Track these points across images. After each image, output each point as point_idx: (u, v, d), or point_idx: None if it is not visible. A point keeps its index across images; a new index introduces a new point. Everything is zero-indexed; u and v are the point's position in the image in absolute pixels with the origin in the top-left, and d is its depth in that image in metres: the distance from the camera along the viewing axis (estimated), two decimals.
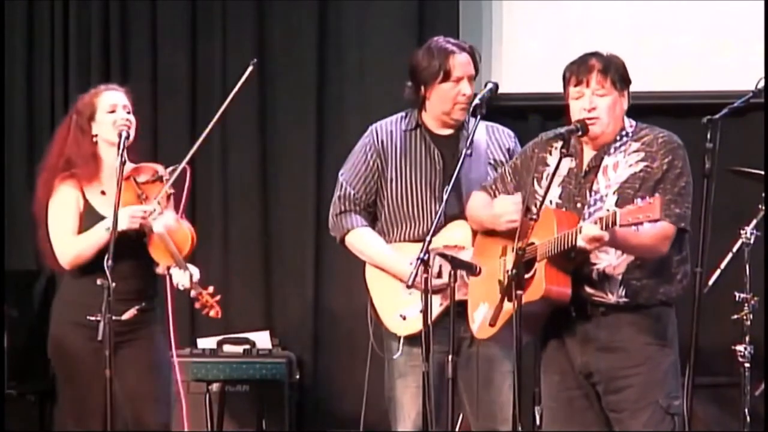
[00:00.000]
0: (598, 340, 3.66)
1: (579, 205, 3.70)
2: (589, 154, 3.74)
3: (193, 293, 4.33)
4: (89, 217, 4.35)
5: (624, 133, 3.73)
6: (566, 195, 3.73)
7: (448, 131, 4.23)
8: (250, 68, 4.52)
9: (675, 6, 6.09)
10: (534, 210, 3.64)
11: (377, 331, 4.33)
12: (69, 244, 4.34)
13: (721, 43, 6.12)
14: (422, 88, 4.22)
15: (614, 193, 3.65)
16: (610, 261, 3.63)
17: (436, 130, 4.25)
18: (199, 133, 6.25)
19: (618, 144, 3.71)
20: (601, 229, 3.45)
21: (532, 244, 3.62)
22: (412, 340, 4.02)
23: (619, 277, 3.63)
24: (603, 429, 3.72)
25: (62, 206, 4.37)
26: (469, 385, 4.18)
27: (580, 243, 3.49)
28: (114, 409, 4.10)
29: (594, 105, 3.67)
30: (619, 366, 3.64)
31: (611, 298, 3.63)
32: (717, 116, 4.47)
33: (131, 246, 4.29)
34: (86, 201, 4.38)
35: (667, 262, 3.66)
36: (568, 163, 3.75)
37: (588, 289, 3.64)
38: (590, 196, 3.69)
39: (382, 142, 4.28)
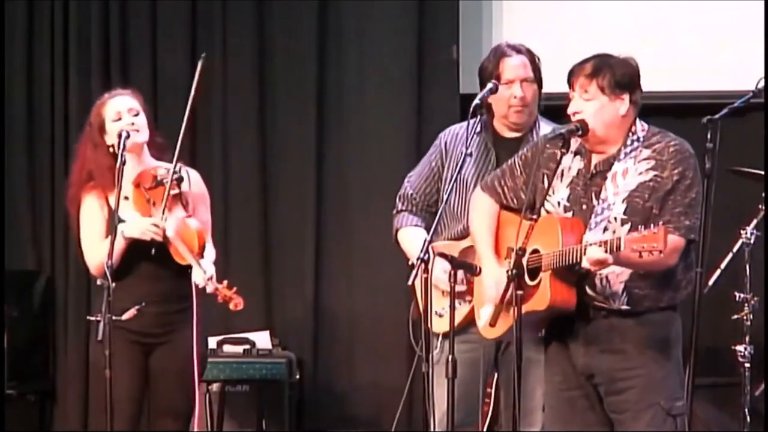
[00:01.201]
0: (599, 343, 3.65)
1: (584, 207, 3.68)
2: (597, 156, 3.72)
3: (209, 289, 4.37)
4: (115, 224, 4.40)
5: (635, 137, 3.68)
6: (574, 197, 3.71)
7: (516, 134, 4.25)
8: (201, 62, 4.54)
9: (675, 6, 6.09)
10: (536, 210, 3.64)
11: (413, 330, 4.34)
12: (95, 251, 4.41)
13: (721, 43, 6.12)
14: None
15: (623, 201, 3.62)
16: (614, 268, 3.61)
17: (504, 133, 4.28)
18: (199, 133, 6.30)
19: (628, 149, 3.67)
20: (605, 252, 3.44)
21: (537, 251, 3.63)
22: (445, 337, 4.02)
23: (622, 285, 3.61)
24: (604, 430, 3.72)
25: (88, 216, 4.47)
26: (505, 386, 4.24)
27: (584, 264, 3.49)
28: (113, 409, 4.12)
29: (577, 109, 3.67)
30: (620, 368, 3.63)
31: (613, 305, 3.62)
32: (717, 116, 4.46)
33: (157, 248, 4.34)
34: (110, 208, 4.42)
35: (673, 270, 3.63)
36: (577, 164, 3.74)
37: (590, 294, 3.63)
38: (597, 203, 3.66)
39: (446, 143, 4.35)
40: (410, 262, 4.07)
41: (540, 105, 4.28)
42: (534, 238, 3.60)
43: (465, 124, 4.37)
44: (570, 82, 3.69)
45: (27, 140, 6.42)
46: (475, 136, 4.28)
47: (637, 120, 3.72)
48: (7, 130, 6.34)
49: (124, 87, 4.69)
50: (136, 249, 4.37)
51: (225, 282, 4.40)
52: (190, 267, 4.38)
